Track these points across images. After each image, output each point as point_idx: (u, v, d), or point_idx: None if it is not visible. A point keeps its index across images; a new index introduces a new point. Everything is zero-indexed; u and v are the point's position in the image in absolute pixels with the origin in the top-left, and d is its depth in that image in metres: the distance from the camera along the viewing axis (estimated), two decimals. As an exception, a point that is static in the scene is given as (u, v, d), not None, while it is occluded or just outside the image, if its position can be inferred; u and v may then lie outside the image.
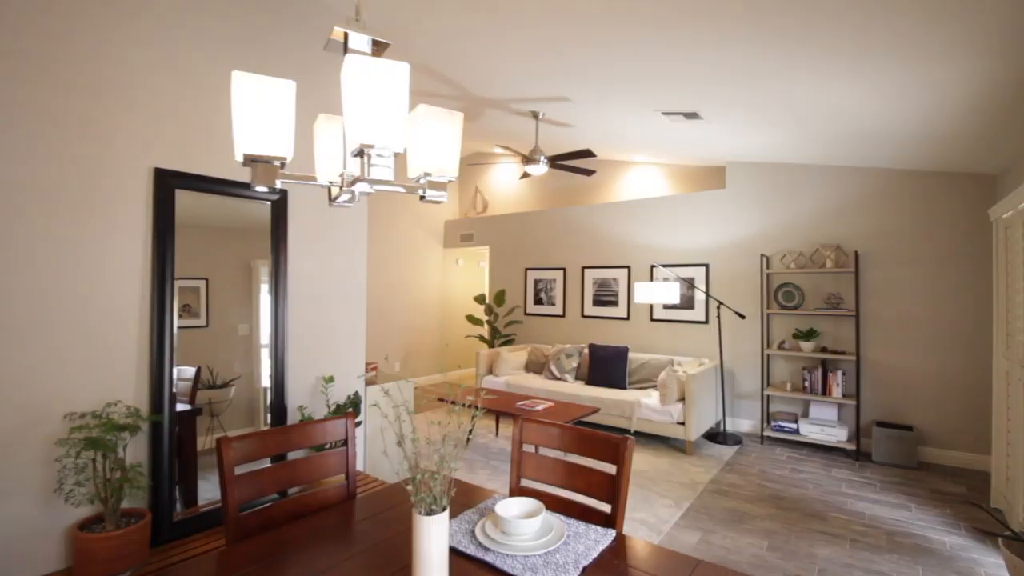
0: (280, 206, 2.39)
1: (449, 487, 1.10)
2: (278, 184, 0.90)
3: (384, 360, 2.88)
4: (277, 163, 0.89)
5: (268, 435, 1.58)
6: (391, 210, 6.92)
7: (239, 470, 1.50)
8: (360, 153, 0.85)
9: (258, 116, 0.87)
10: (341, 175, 1.00)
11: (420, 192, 1.01)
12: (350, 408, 2.68)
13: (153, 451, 2.05)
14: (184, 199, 2.13)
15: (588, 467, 1.62)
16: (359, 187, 0.88)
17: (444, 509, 1.08)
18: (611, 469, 1.54)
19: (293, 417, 2.54)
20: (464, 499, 1.60)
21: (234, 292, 2.36)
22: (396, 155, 0.89)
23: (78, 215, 1.91)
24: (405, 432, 1.13)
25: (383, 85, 0.84)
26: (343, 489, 1.71)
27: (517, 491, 1.72)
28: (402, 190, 1.00)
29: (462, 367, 8.00)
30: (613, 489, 1.52)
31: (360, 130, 0.83)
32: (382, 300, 6.75)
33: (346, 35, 0.88)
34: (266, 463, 2.12)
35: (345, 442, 1.76)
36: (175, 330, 2.10)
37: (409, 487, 1.05)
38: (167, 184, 2.04)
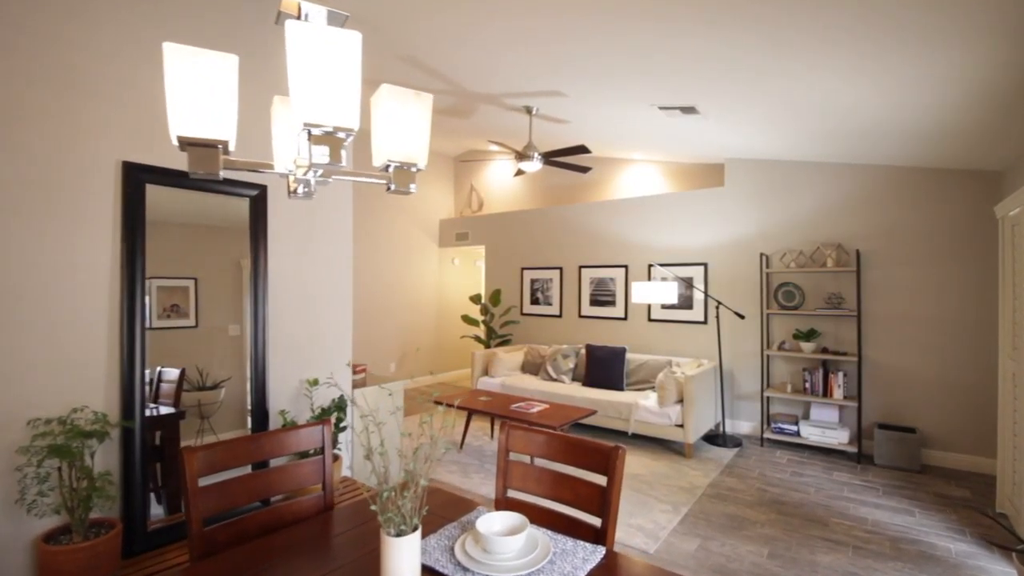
0: (259, 202, 2.29)
1: (421, 504, 1.00)
2: (221, 173, 0.80)
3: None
4: (219, 147, 0.80)
5: (237, 444, 1.49)
6: (384, 208, 6.81)
7: (215, 479, 1.41)
8: (309, 134, 0.75)
9: (195, 94, 0.77)
10: (294, 162, 0.90)
11: (387, 184, 0.92)
12: (335, 412, 2.59)
13: (124, 458, 1.96)
14: (173, 197, 2.05)
15: (578, 477, 1.53)
16: (313, 174, 0.79)
17: (415, 529, 0.99)
18: (602, 480, 1.45)
19: (275, 422, 2.45)
20: (446, 512, 1.51)
21: (223, 292, 2.30)
22: (353, 139, 0.80)
23: (40, 211, 1.81)
24: (374, 444, 1.04)
25: (332, 56, 0.75)
26: (320, 500, 1.62)
27: (503, 502, 1.63)
28: (363, 180, 0.91)
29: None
30: (603, 501, 1.43)
31: (307, 107, 0.74)
32: (376, 300, 6.65)
33: (299, 6, 0.79)
34: (246, 470, 2.03)
35: (322, 450, 1.68)
36: (146, 331, 2.01)
37: (374, 507, 0.96)
38: (136, 178, 1.94)
